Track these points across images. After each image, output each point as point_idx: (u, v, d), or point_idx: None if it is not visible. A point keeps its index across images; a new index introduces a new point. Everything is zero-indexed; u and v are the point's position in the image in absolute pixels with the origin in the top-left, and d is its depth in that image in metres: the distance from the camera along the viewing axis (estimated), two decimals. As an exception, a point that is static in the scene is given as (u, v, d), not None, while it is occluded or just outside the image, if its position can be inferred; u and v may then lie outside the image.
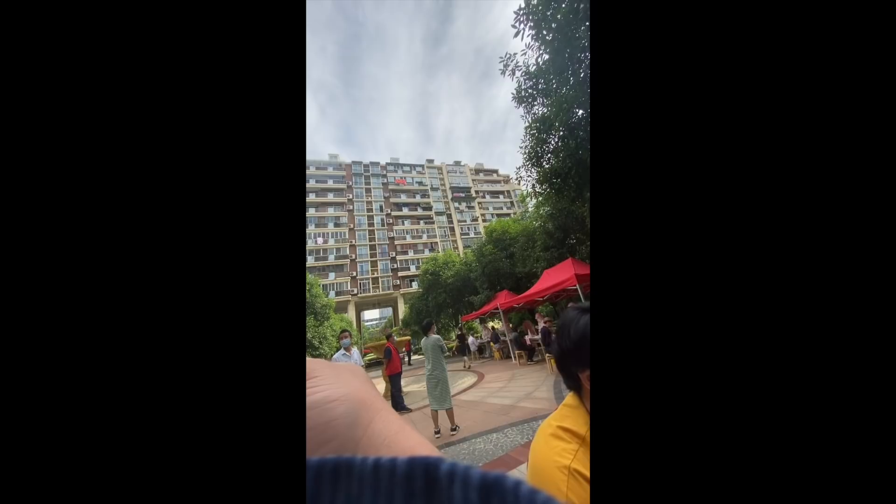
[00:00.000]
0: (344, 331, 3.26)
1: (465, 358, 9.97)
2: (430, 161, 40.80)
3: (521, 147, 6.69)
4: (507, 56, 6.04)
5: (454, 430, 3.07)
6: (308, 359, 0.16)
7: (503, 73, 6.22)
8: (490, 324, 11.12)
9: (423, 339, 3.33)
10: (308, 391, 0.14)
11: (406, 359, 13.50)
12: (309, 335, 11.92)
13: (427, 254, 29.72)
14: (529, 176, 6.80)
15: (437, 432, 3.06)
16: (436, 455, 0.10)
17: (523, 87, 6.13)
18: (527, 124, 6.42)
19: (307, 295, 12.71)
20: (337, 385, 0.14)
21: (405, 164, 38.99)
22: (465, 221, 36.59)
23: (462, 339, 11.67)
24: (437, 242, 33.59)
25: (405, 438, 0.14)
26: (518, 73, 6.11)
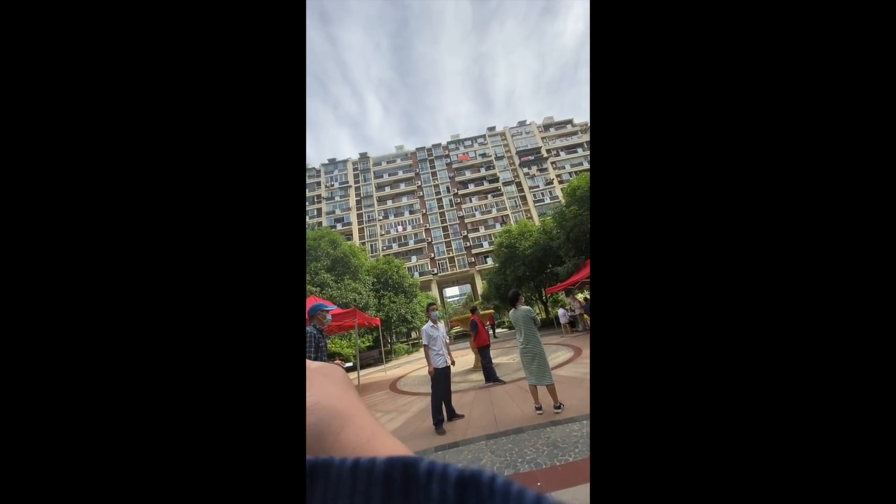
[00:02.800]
0: (431, 304, 3.34)
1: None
2: (492, 129, 38.08)
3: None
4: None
5: (558, 407, 2.76)
6: None
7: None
8: (579, 294, 9.92)
9: (511, 312, 3.07)
10: None
11: (492, 332, 13.79)
12: (402, 311, 13.54)
13: (498, 228, 28.80)
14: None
15: (539, 408, 2.82)
16: (413, 456, 0.10)
17: None
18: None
19: (396, 276, 14.30)
20: (309, 394, 0.14)
21: (466, 139, 37.74)
22: (537, 187, 33.19)
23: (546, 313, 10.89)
24: (507, 215, 31.97)
25: (379, 445, 0.13)
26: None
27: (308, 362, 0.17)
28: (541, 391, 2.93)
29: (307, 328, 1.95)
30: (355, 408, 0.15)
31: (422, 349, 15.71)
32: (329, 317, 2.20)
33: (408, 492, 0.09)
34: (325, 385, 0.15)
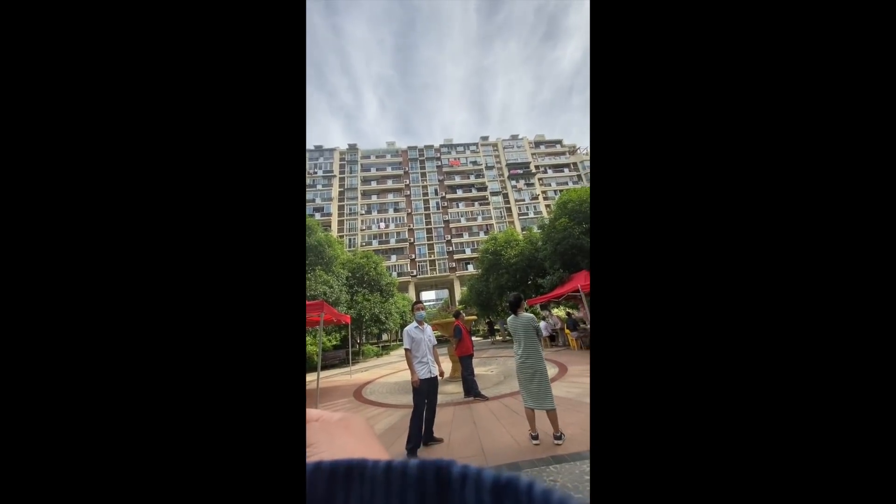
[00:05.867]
0: (418, 302, 2.78)
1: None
2: (485, 138, 38.57)
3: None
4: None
5: (559, 438, 2.31)
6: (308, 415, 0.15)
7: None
8: (556, 310, 9.84)
9: (509, 319, 2.61)
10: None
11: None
12: (376, 311, 12.69)
13: (482, 236, 28.82)
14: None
15: (535, 437, 2.35)
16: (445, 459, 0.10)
17: None
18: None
19: (373, 272, 13.45)
20: (330, 453, 0.14)
21: (459, 145, 37.81)
22: (523, 200, 33.90)
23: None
24: (492, 224, 32.18)
25: None
26: None
27: (328, 414, 0.16)
28: (538, 416, 2.47)
29: None
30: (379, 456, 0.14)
31: (393, 353, 14.94)
32: None
33: (442, 495, 0.09)
34: (345, 440, 0.14)
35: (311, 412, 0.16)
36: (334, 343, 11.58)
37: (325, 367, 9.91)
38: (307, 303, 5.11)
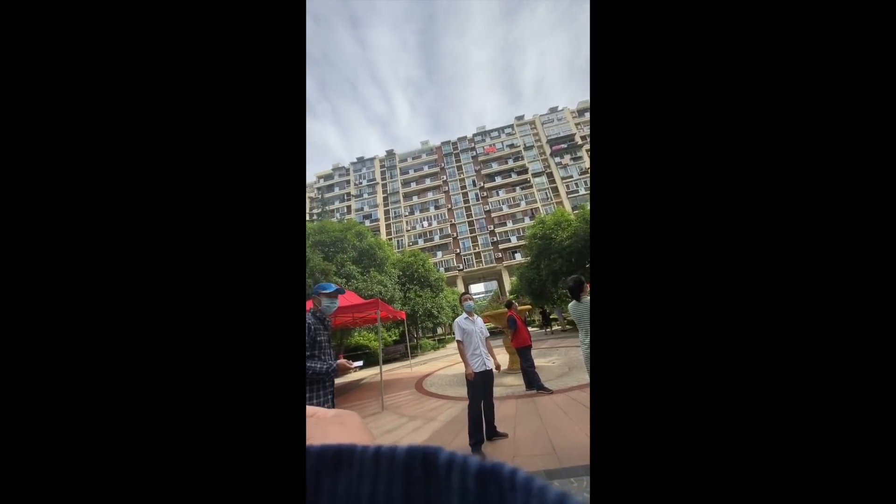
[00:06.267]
0: (465, 293, 2.67)
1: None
2: (520, 118, 36.18)
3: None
4: None
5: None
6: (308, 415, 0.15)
7: None
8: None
9: (571, 305, 2.30)
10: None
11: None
12: (428, 305, 13.12)
13: (527, 222, 27.28)
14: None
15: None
16: (433, 445, 0.10)
17: None
18: None
19: (422, 269, 13.92)
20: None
21: (492, 130, 36.32)
22: (570, 177, 30.86)
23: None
24: (537, 208, 30.18)
25: None
26: None
27: (322, 410, 0.16)
28: (617, 412, 2.13)
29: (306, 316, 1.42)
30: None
31: (448, 346, 15.27)
32: (334, 301, 1.59)
33: (428, 480, 0.09)
34: (340, 436, 0.15)
35: (307, 409, 0.16)
36: (394, 338, 12.39)
37: (386, 361, 10.66)
38: (363, 301, 5.48)
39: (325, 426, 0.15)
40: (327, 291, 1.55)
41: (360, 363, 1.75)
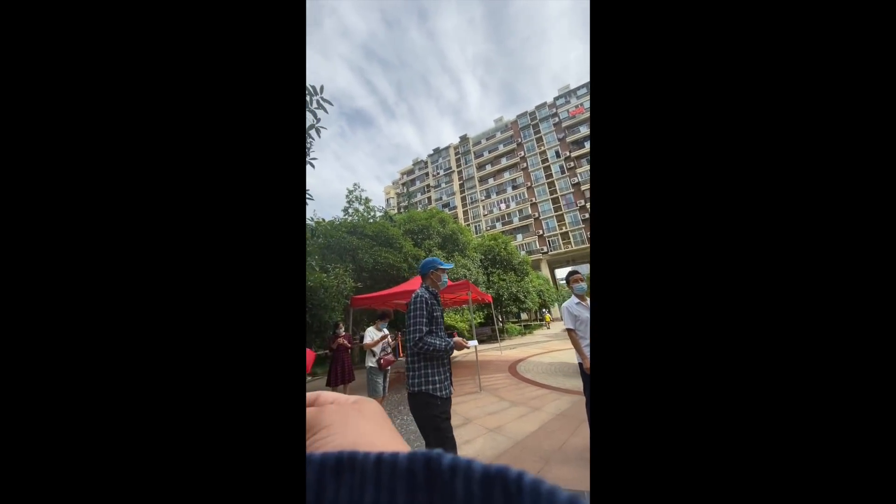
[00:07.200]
0: (574, 272, 2.27)
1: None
2: (617, 61, 28.94)
3: None
4: None
5: None
6: (310, 399, 0.15)
7: None
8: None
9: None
10: (317, 446, 0.13)
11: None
12: (514, 289, 12.70)
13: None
14: None
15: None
16: (436, 450, 0.10)
17: None
18: None
19: (503, 252, 13.50)
20: (344, 436, 0.14)
21: (578, 88, 30.73)
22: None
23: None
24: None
25: None
26: None
27: (343, 397, 0.16)
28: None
29: (418, 290, 1.45)
30: (395, 446, 0.14)
31: (536, 332, 14.57)
32: (445, 278, 1.59)
33: (431, 487, 0.09)
34: (359, 423, 0.15)
35: (326, 395, 0.16)
36: (479, 321, 12.68)
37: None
38: (453, 283, 5.67)
39: (347, 413, 0.15)
40: (445, 267, 1.55)
41: (475, 342, 1.72)
